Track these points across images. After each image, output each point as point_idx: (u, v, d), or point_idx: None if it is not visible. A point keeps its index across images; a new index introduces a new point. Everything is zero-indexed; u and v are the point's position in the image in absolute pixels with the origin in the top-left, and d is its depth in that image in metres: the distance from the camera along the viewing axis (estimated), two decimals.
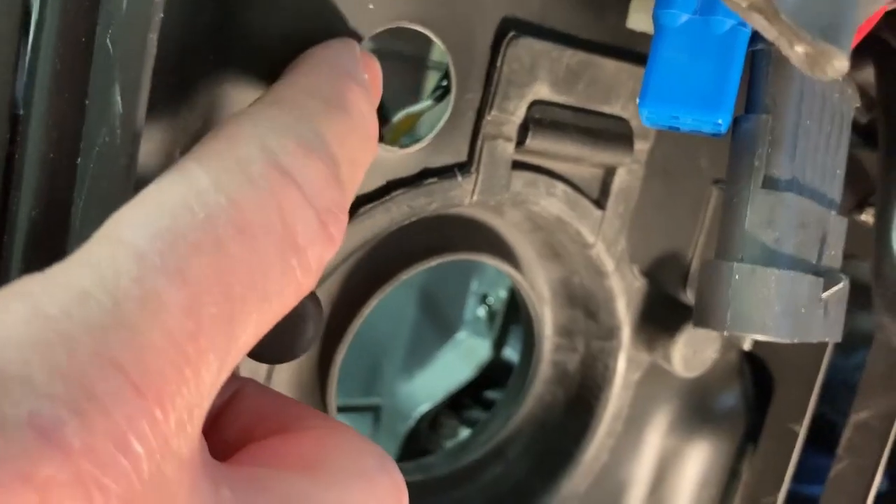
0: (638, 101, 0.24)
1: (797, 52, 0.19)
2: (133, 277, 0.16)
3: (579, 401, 0.43)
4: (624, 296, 0.40)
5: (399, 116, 0.37)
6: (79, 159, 0.24)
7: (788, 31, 0.18)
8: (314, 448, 0.23)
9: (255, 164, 0.19)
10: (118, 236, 0.17)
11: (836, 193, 0.27)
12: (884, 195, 0.32)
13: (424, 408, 0.63)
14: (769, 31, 0.19)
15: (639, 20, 0.35)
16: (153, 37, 0.20)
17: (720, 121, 0.23)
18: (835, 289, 0.25)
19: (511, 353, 0.66)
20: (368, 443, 0.24)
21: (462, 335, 0.70)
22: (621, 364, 0.41)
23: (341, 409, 0.38)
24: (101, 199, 0.23)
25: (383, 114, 0.37)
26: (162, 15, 0.20)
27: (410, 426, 0.63)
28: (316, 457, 0.22)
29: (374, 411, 0.71)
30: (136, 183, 0.22)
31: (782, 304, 0.23)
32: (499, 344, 0.66)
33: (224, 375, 0.18)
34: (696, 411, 0.45)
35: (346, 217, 0.21)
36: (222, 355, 0.17)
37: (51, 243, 0.25)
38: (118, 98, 0.21)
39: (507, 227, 0.40)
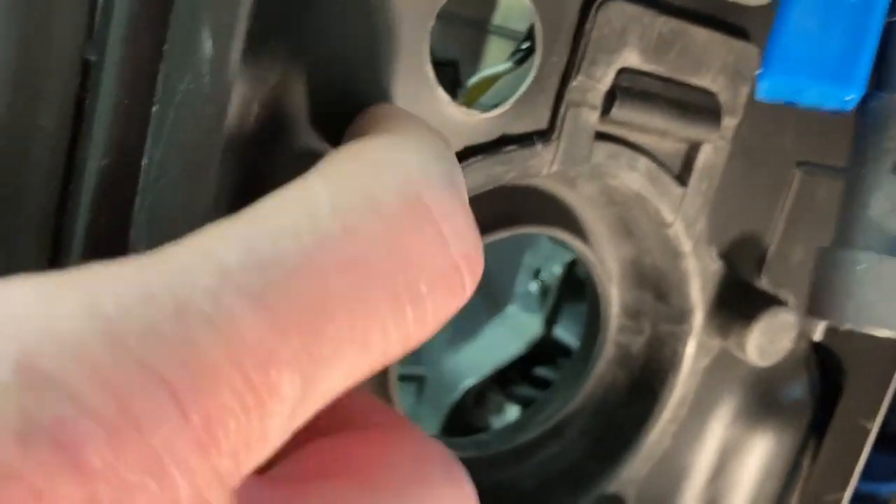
0: (759, 71, 0.22)
1: None
2: (209, 292, 0.15)
3: (643, 384, 0.42)
4: (699, 278, 0.38)
5: (475, 79, 0.35)
6: (155, 107, 0.23)
7: None
8: (376, 451, 0.21)
9: (389, 194, 0.17)
10: (207, 247, 0.16)
11: None
12: None
13: (470, 382, 0.62)
14: None
15: None
16: None
17: (849, 97, 0.21)
18: None
19: (562, 333, 0.64)
20: (435, 446, 0.22)
21: (512, 309, 0.68)
22: (690, 349, 0.40)
23: None
24: (181, 151, 0.21)
25: (457, 76, 0.35)
26: None
27: (455, 400, 0.61)
28: (377, 462, 0.21)
29: (418, 381, 0.70)
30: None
31: None
32: (550, 321, 0.64)
33: (297, 421, 0.16)
34: (761, 401, 0.43)
35: (481, 267, 0.19)
36: (297, 395, 0.15)
37: (121, 195, 0.24)
38: (208, 41, 0.20)
39: (580, 200, 0.39)
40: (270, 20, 0.24)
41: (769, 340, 0.38)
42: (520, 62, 0.35)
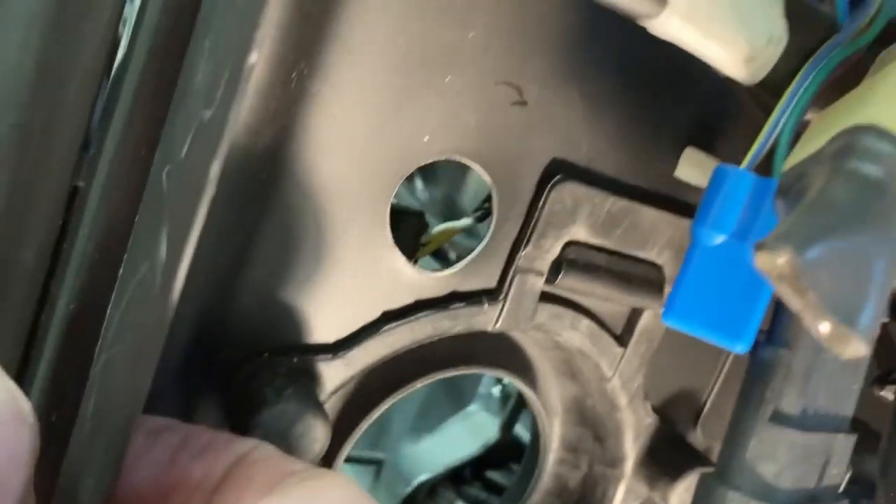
0: (663, 309, 0.25)
1: (819, 329, 0.19)
2: None
3: None
4: (633, 430, 0.40)
5: (438, 229, 0.38)
6: (120, 271, 0.25)
7: (814, 308, 0.19)
8: None
9: None
10: None
11: (849, 410, 0.27)
12: None
13: (424, 477, 0.64)
14: (794, 303, 0.19)
15: (687, 172, 0.36)
16: (203, 209, 0.21)
17: (739, 348, 0.24)
18: None
19: (521, 431, 0.66)
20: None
21: (473, 408, 0.70)
22: (620, 493, 0.42)
23: (346, 460, 0.39)
24: (134, 329, 0.24)
25: (424, 224, 0.38)
26: (215, 188, 0.21)
27: (408, 492, 0.63)
28: None
29: (377, 465, 0.71)
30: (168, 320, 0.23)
31: None
32: (508, 425, 0.66)
33: None
34: None
35: None
36: None
37: (83, 339, 0.26)
38: (164, 244, 0.22)
39: (529, 342, 0.41)
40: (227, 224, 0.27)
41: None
42: (480, 219, 0.37)
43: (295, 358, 0.31)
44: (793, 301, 0.19)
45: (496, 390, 0.68)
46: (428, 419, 0.72)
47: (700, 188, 0.36)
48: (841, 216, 0.19)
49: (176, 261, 0.22)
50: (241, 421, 0.29)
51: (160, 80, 0.24)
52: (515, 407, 0.66)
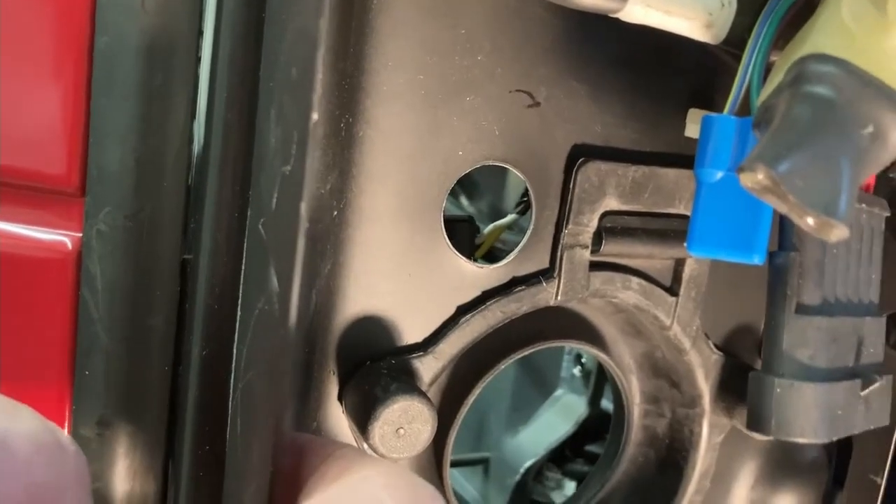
0: (686, 243, 0.29)
1: (806, 222, 0.23)
2: None
3: (669, 461, 0.47)
4: (702, 368, 0.44)
5: (489, 229, 0.43)
6: (239, 313, 0.30)
7: (797, 208, 0.23)
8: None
9: None
10: None
11: (873, 297, 0.31)
12: None
13: (529, 462, 0.68)
14: (781, 207, 0.23)
15: (695, 129, 0.40)
16: (301, 243, 0.26)
17: (755, 259, 0.28)
18: (873, 387, 0.29)
19: (608, 405, 0.70)
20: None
21: (560, 392, 0.75)
22: (705, 429, 0.45)
23: (454, 464, 0.43)
24: (262, 353, 0.29)
25: (475, 228, 0.43)
26: (307, 224, 0.26)
27: (518, 480, 0.68)
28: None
29: (484, 464, 0.76)
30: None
31: (820, 411, 0.27)
32: (595, 400, 0.70)
33: None
34: (779, 464, 0.49)
35: None
36: None
37: (219, 376, 0.31)
38: (274, 278, 0.28)
39: (592, 310, 0.45)
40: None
41: None
42: (521, 213, 0.42)
43: (392, 360, 0.36)
44: (780, 206, 0.23)
45: (577, 371, 0.73)
46: (521, 413, 0.76)
47: None
48: (801, 130, 0.23)
49: (288, 288, 0.27)
50: (362, 420, 0.34)
51: (237, 155, 0.30)
52: (597, 382, 0.71)
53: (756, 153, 0.23)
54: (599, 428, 0.70)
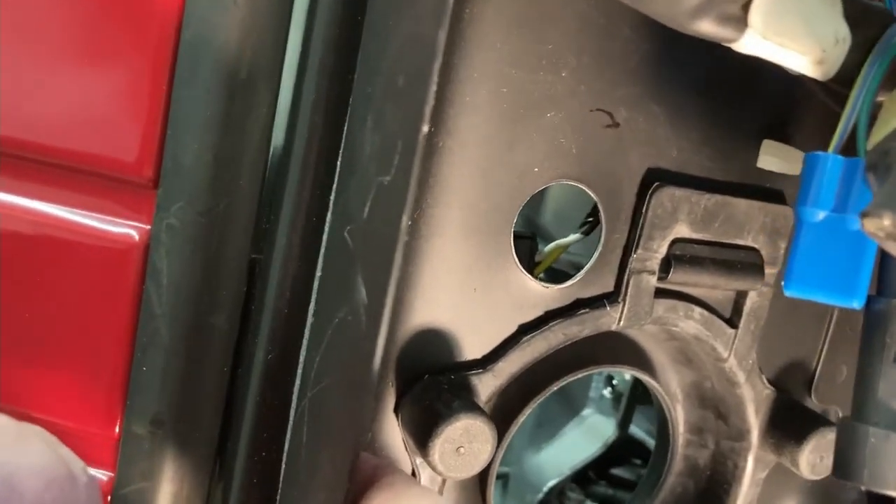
0: (783, 282, 0.28)
1: None
2: None
3: (709, 493, 0.47)
4: (753, 403, 0.44)
5: (550, 247, 0.42)
6: (310, 320, 0.29)
7: None
8: None
9: None
10: None
11: None
12: None
13: (553, 482, 0.68)
14: None
15: (768, 161, 0.39)
16: (399, 256, 0.26)
17: (854, 304, 0.27)
18: None
19: (636, 431, 0.69)
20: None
21: (587, 412, 0.74)
22: (750, 463, 0.45)
23: None
24: (340, 366, 0.28)
25: (535, 245, 0.42)
26: (406, 238, 0.26)
27: (540, 498, 0.67)
28: None
29: (503, 479, 0.75)
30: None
31: None
32: (624, 423, 0.70)
33: None
34: (820, 503, 0.48)
35: None
36: None
37: (282, 382, 0.31)
38: (362, 288, 0.27)
39: (644, 336, 0.45)
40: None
41: (819, 458, 0.42)
42: (586, 233, 0.41)
43: (452, 375, 0.36)
44: None
45: (607, 392, 0.72)
46: (545, 429, 0.75)
47: (782, 174, 0.40)
48: None
49: (380, 301, 0.26)
50: (421, 436, 0.33)
51: (320, 159, 0.29)
52: (628, 405, 0.70)
53: (883, 199, 0.22)
54: (625, 452, 0.69)
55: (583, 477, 0.69)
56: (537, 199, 0.72)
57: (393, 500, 0.29)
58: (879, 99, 0.28)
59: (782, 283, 0.29)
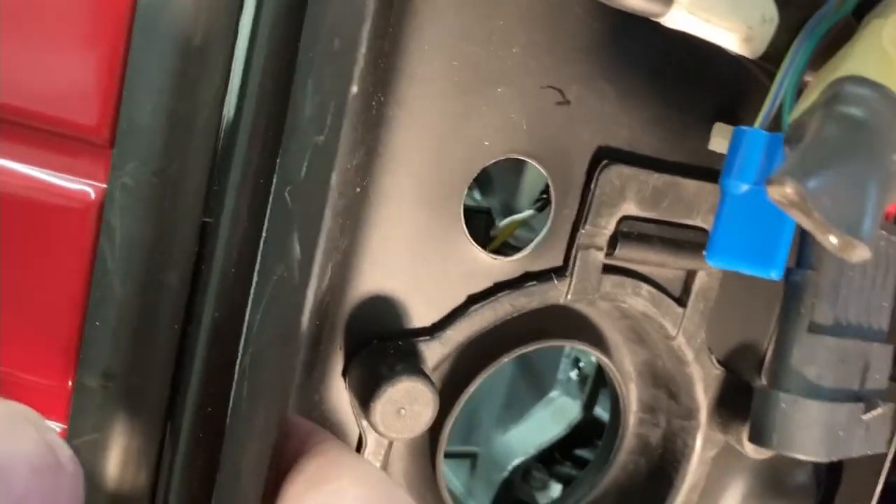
0: (705, 252, 0.29)
1: (829, 240, 0.23)
2: None
3: (660, 471, 0.48)
4: (702, 382, 0.44)
5: (505, 222, 0.43)
6: (255, 279, 0.30)
7: (821, 225, 0.23)
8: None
9: None
10: None
11: (883, 324, 0.31)
12: None
13: (518, 461, 0.69)
14: (806, 223, 0.24)
15: (719, 143, 0.40)
16: (329, 213, 0.27)
17: (773, 274, 0.28)
18: (874, 412, 0.30)
19: (601, 413, 0.70)
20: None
21: (554, 394, 0.75)
22: (698, 442, 0.46)
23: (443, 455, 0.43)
24: (276, 320, 0.29)
25: (492, 220, 0.43)
26: (336, 196, 0.27)
27: (505, 476, 0.68)
28: None
29: (472, 459, 0.76)
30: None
31: (822, 430, 0.28)
32: (589, 405, 0.71)
33: None
34: (768, 486, 0.49)
35: None
36: None
37: (229, 340, 0.32)
38: (297, 246, 0.28)
39: (598, 314, 0.46)
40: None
41: None
42: (539, 209, 0.42)
43: (399, 341, 0.36)
44: (804, 222, 0.24)
45: (573, 374, 0.73)
46: (513, 411, 0.77)
47: None
48: (833, 149, 0.24)
49: (310, 257, 0.27)
50: (365, 397, 0.34)
51: (269, 122, 0.30)
52: (593, 388, 0.71)
53: (786, 167, 0.23)
54: (590, 433, 0.71)
55: (548, 457, 0.70)
56: (515, 182, 0.73)
57: (325, 467, 0.29)
58: (807, 79, 0.29)
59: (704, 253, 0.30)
